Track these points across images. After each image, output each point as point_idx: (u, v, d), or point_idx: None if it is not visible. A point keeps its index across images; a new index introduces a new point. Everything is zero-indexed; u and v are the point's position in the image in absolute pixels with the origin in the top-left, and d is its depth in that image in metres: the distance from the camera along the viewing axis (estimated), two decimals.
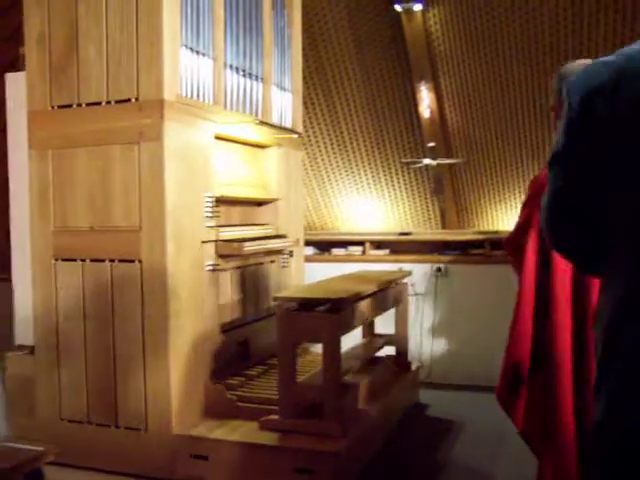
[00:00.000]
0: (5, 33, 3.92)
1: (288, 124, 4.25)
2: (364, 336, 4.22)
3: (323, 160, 8.87)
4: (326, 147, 8.83)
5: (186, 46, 3.19)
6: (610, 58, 1.25)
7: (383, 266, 4.86)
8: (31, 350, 3.44)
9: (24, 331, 3.50)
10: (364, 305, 3.48)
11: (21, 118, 3.40)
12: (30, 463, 2.98)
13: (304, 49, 4.55)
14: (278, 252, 4.06)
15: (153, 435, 3.10)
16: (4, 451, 3.08)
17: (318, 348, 3.76)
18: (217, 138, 3.43)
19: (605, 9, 6.94)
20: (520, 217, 2.48)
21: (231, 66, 3.57)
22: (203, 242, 3.29)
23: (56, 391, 3.31)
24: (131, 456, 3.13)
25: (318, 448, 2.90)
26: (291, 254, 4.21)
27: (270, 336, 3.75)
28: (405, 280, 4.30)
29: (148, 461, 3.09)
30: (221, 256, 3.42)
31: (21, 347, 3.54)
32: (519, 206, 8.65)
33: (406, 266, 4.84)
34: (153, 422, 3.11)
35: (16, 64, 3.72)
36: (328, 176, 8.71)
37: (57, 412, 3.31)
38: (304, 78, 4.68)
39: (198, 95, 3.29)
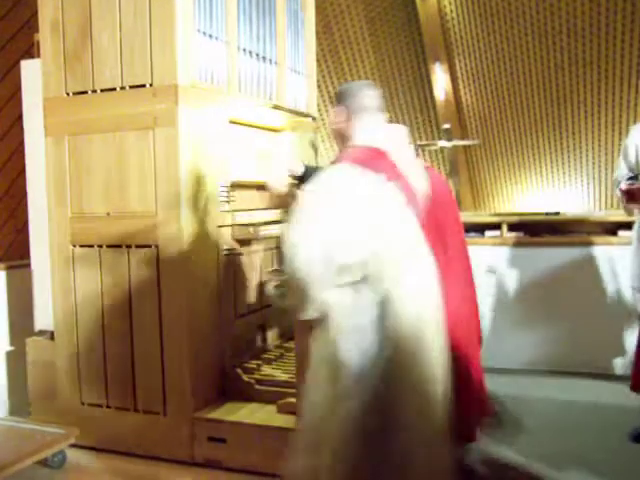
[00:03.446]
0: (20, 21, 3.94)
1: (302, 108, 4.23)
2: None
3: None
4: None
5: (199, 30, 3.19)
6: None
7: None
8: (51, 335, 3.49)
9: (44, 316, 3.54)
10: None
11: (37, 105, 3.42)
12: (53, 445, 3.04)
13: (317, 32, 4.53)
14: None
15: (171, 418, 3.14)
16: (28, 434, 3.14)
17: None
18: (231, 122, 3.43)
19: None
20: None
21: (244, 50, 3.56)
22: (219, 226, 3.30)
23: (76, 375, 3.36)
24: (150, 439, 3.17)
25: None
26: None
27: (287, 320, 3.77)
28: None
29: (167, 444, 3.13)
30: (237, 240, 3.43)
31: (41, 332, 3.59)
32: (536, 187, 8.64)
33: None
34: (171, 405, 3.14)
35: (31, 51, 3.74)
36: None
37: (77, 396, 3.36)
38: (318, 61, 4.65)
39: (212, 79, 3.28)
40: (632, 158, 3.45)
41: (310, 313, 2.00)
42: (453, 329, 2.92)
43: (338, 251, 1.92)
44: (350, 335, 1.99)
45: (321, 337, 2.05)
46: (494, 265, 4.65)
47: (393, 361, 1.98)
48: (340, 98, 2.29)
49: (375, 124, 2.26)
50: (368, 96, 2.26)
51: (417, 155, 3.33)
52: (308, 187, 2.04)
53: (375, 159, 2.08)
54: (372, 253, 1.97)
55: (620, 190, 3.37)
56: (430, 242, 2.91)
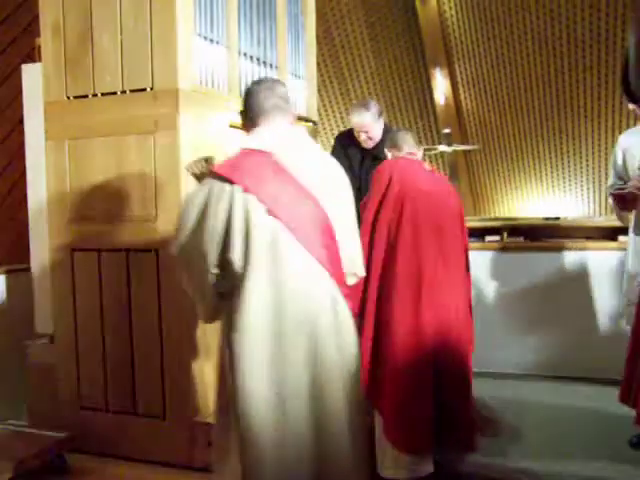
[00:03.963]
0: (21, 25, 3.94)
1: (303, 112, 4.23)
2: None
3: None
4: None
5: (200, 34, 3.19)
6: None
7: None
8: (51, 338, 3.48)
9: (44, 320, 3.54)
10: None
11: (38, 109, 3.42)
12: (52, 450, 3.03)
13: (318, 36, 4.53)
14: None
15: (171, 423, 3.13)
16: (27, 438, 3.13)
17: None
18: (232, 127, 3.43)
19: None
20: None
21: (245, 54, 3.56)
22: None
23: (75, 379, 3.35)
24: (150, 443, 3.16)
25: None
26: None
27: None
28: None
29: (167, 448, 3.12)
30: None
31: (41, 335, 3.58)
32: (536, 192, 8.60)
33: None
34: (171, 410, 3.14)
35: (32, 55, 3.74)
36: None
37: (77, 400, 3.35)
38: (318, 65, 4.66)
39: (213, 84, 3.29)
40: (619, 160, 3.47)
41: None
42: (449, 336, 2.92)
43: (195, 254, 2.13)
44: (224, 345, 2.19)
45: None
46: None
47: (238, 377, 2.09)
48: (243, 101, 2.32)
49: (270, 125, 2.25)
50: (265, 97, 2.26)
51: (424, 159, 3.37)
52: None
53: (240, 169, 2.13)
54: (221, 258, 2.10)
55: (611, 195, 3.37)
56: (426, 245, 2.91)
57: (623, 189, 3.25)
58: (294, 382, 2.08)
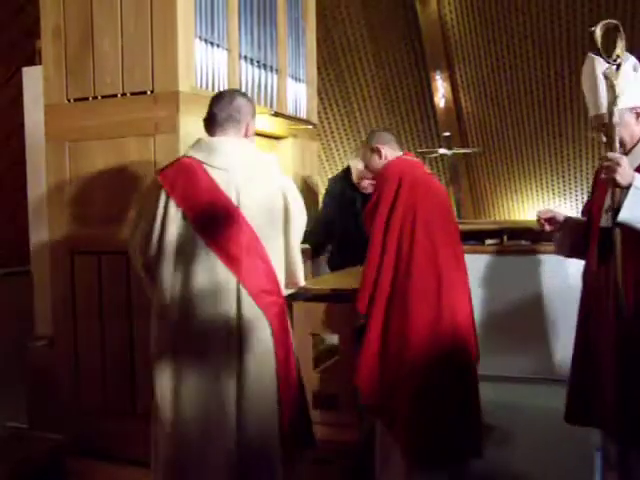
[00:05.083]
0: (22, 28, 3.96)
1: (303, 115, 4.24)
2: None
3: (338, 150, 8.86)
4: (341, 137, 8.82)
5: (200, 37, 3.20)
6: None
7: None
8: (51, 340, 3.49)
9: (44, 322, 3.54)
10: None
11: (38, 112, 3.43)
12: (52, 452, 3.03)
13: (318, 39, 4.54)
14: None
15: None
16: (27, 440, 3.13)
17: (334, 339, 3.76)
18: None
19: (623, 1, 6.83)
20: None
21: (245, 57, 3.57)
22: None
23: (75, 381, 3.35)
24: (150, 444, 3.16)
25: (334, 439, 2.91)
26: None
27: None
28: None
29: None
30: None
31: (41, 337, 3.59)
32: (536, 195, 8.64)
33: None
34: None
35: (33, 58, 3.75)
36: (343, 166, 8.68)
37: (77, 402, 3.35)
38: (318, 69, 4.67)
39: (213, 87, 3.29)
40: None
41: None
42: (464, 340, 2.88)
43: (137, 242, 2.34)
44: None
45: None
46: None
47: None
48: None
49: (221, 137, 2.36)
50: (220, 109, 2.41)
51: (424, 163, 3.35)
52: None
53: (169, 174, 2.30)
54: (146, 254, 2.30)
55: (537, 221, 2.79)
56: (442, 246, 2.87)
57: (552, 212, 2.89)
58: (187, 384, 2.25)
